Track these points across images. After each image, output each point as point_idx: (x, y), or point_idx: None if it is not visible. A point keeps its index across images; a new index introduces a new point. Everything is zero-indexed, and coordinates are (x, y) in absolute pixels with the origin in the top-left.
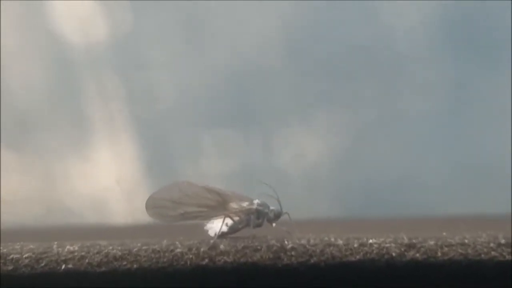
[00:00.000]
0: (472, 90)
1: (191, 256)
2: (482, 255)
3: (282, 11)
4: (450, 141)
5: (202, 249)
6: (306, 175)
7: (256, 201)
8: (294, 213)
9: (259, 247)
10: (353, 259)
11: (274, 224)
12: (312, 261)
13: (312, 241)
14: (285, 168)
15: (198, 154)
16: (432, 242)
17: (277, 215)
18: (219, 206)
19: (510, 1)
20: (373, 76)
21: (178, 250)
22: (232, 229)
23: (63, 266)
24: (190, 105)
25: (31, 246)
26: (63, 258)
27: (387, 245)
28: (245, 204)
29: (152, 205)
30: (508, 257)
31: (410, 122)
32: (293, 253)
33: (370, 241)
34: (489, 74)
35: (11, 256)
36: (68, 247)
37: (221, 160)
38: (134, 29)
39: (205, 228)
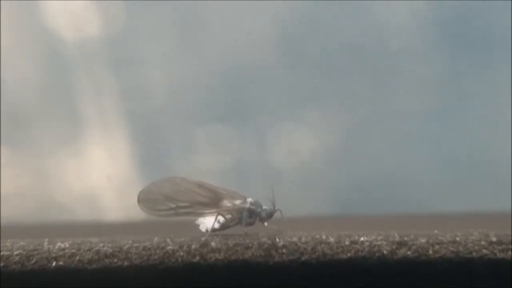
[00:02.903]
0: (467, 88)
1: (182, 253)
2: (474, 253)
3: (276, 8)
4: (443, 138)
5: (193, 247)
6: (299, 171)
7: (249, 200)
8: (286, 209)
9: (250, 245)
10: (344, 256)
11: (266, 223)
12: (303, 258)
13: (303, 239)
14: (278, 164)
15: (192, 150)
16: (423, 240)
17: (270, 215)
18: (212, 203)
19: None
20: (367, 73)
21: (169, 247)
22: (223, 227)
23: (54, 263)
24: (183, 101)
25: (22, 243)
26: (53, 255)
27: (379, 242)
28: (238, 202)
29: (144, 199)
30: (499, 255)
31: (404, 119)
32: (284, 250)
33: (362, 238)
34: (485, 72)
35: (1, 253)
36: (59, 244)
37: (215, 156)
38: (128, 25)
39: (196, 222)
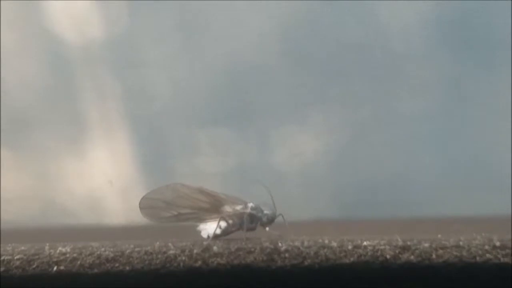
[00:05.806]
0: (468, 89)
1: (184, 258)
2: (477, 258)
3: (278, 9)
4: (446, 141)
5: (195, 251)
6: (302, 174)
7: (250, 205)
8: (289, 213)
9: (252, 249)
10: (347, 261)
11: (267, 228)
12: (306, 263)
13: (306, 243)
14: (280, 167)
15: (194, 153)
16: (426, 244)
17: (271, 220)
18: (213, 209)
19: (508, 0)
20: (369, 75)
21: (171, 251)
22: (225, 232)
23: (55, 268)
24: (185, 103)
25: (23, 248)
26: (54, 259)
27: (382, 247)
28: (239, 207)
29: (145, 205)
30: (503, 259)
31: (406, 121)
32: (286, 255)
33: (364, 243)
34: (486, 73)
35: (2, 258)
36: (60, 248)
37: (217, 159)
38: (130, 27)
39: (197, 228)
